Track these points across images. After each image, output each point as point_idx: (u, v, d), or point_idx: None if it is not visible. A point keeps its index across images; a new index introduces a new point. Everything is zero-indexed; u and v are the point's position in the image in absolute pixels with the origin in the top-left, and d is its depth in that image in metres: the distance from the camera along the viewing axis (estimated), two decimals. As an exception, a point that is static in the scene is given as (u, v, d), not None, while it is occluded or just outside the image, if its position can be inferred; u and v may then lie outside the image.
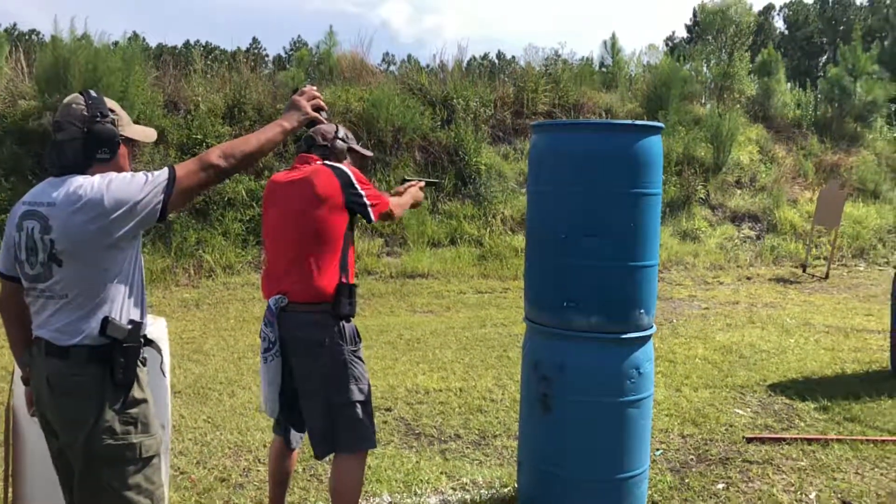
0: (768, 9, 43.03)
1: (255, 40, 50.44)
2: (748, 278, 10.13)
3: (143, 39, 14.49)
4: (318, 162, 2.85)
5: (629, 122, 3.09)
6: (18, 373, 2.46)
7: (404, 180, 3.35)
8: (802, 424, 4.51)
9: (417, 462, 3.88)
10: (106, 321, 2.01)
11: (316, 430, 2.79)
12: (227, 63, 12.81)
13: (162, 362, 2.43)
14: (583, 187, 2.98)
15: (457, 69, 13.40)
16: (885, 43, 18.59)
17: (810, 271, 10.62)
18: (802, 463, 3.90)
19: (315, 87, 2.34)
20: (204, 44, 37.53)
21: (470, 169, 11.10)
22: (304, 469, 3.74)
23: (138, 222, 2.00)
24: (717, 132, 12.64)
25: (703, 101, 14.82)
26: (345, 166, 2.83)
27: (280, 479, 3.03)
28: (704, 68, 15.36)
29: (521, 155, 11.73)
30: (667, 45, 34.80)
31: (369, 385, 2.84)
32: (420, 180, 3.35)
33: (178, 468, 3.74)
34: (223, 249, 9.25)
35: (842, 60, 15.55)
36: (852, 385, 5.25)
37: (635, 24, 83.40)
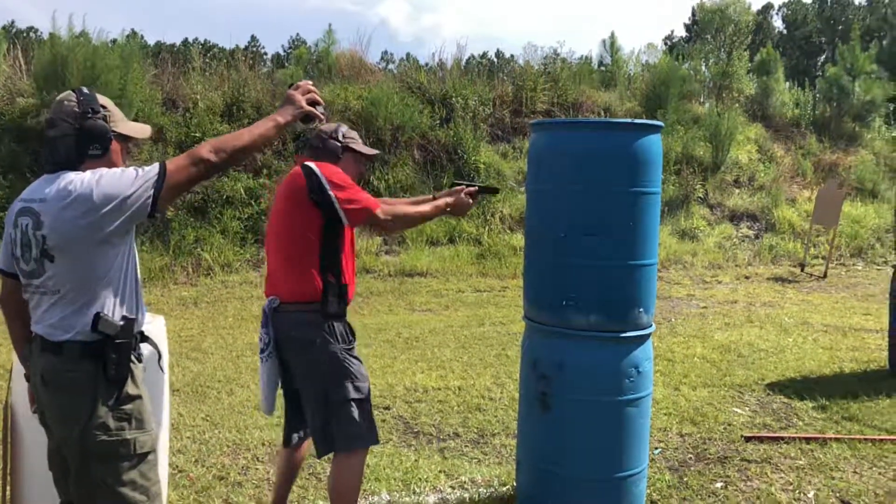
0: (767, 8, 43.06)
1: (253, 38, 50.39)
2: (746, 277, 10.14)
3: (142, 37, 14.49)
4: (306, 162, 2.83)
5: (629, 120, 3.08)
6: (17, 371, 2.46)
7: (454, 184, 3.07)
8: (801, 423, 4.52)
9: (416, 460, 3.88)
10: (97, 317, 2.01)
11: (315, 429, 2.79)
12: (225, 61, 12.80)
13: (160, 359, 2.42)
14: (582, 186, 2.98)
15: (456, 68, 13.40)
16: (884, 42, 18.57)
17: (808, 270, 10.63)
18: (801, 462, 3.90)
19: (311, 82, 2.30)
20: (202, 42, 37.55)
21: (469, 167, 11.10)
22: (303, 468, 3.74)
23: (129, 217, 1.99)
24: (715, 131, 12.66)
25: (701, 100, 14.83)
26: (317, 165, 2.74)
27: (284, 477, 3.04)
28: (703, 67, 15.36)
29: (520, 154, 11.73)
30: (666, 44, 34.81)
31: (368, 383, 2.82)
32: (471, 185, 3.02)
33: (177, 466, 3.74)
34: (221, 248, 9.24)
35: (840, 60, 15.57)
36: (850, 384, 5.26)
37: (634, 23, 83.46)
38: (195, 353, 5.97)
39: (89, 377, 2.02)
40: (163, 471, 3.00)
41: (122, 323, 2.05)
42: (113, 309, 2.04)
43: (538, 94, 12.64)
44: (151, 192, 1.99)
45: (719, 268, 10.59)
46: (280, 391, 2.90)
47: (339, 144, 2.90)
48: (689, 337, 6.67)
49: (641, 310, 3.03)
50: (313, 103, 2.27)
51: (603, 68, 15.48)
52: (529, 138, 3.35)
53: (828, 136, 14.50)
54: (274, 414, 2.94)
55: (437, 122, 11.64)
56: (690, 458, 3.96)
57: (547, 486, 3.09)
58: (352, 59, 13.03)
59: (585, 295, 2.98)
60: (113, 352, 2.03)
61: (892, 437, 4.23)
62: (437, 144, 11.38)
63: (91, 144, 2.06)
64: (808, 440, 4.16)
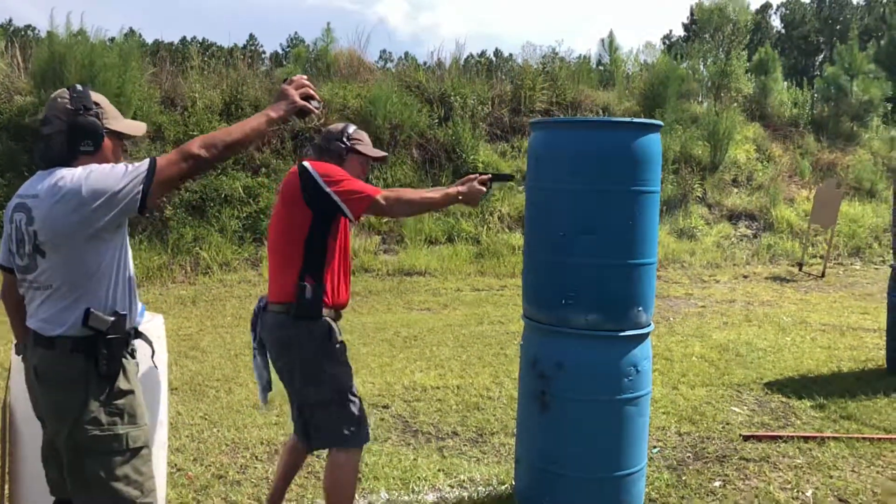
0: (765, 7, 43.08)
1: (251, 37, 50.37)
2: (745, 277, 10.15)
3: (140, 36, 14.46)
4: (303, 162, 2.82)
5: (628, 119, 3.08)
6: (16, 369, 2.46)
7: (468, 172, 3.08)
8: (799, 422, 4.52)
9: (415, 459, 3.87)
10: (88, 312, 2.02)
11: (297, 428, 2.85)
12: (223, 60, 12.79)
13: (153, 354, 2.42)
14: (582, 185, 2.98)
15: (454, 67, 13.39)
16: (882, 42, 18.63)
17: (807, 270, 10.64)
18: (799, 461, 3.91)
19: (306, 77, 2.27)
20: (201, 40, 37.48)
21: (467, 167, 11.09)
22: (301, 466, 3.73)
23: (119, 212, 2.00)
24: (714, 130, 12.67)
25: (700, 99, 14.84)
26: (312, 164, 2.72)
27: (284, 473, 3.04)
28: (701, 67, 15.37)
29: (519, 153, 11.73)
30: (664, 43, 34.84)
31: (349, 384, 2.77)
32: (484, 174, 2.96)
33: (175, 465, 3.74)
34: (220, 246, 9.23)
35: (838, 59, 15.59)
36: (848, 383, 5.27)
37: (633, 23, 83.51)
38: (193, 351, 5.97)
39: (81, 372, 2.04)
40: (161, 469, 3.00)
41: (113, 318, 2.06)
42: (104, 304, 2.06)
43: (537, 93, 12.64)
44: (141, 187, 1.99)
45: (717, 267, 10.60)
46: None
47: (343, 146, 2.87)
48: (687, 336, 6.68)
49: (640, 309, 3.03)
50: (308, 98, 2.24)
51: (601, 68, 15.50)
52: (529, 137, 3.33)
53: (826, 136, 14.52)
54: (273, 411, 2.95)
55: (436, 121, 11.64)
56: (689, 457, 3.97)
57: (546, 485, 3.10)
58: (350, 58, 13.02)
59: (584, 294, 2.98)
60: (104, 347, 2.04)
61: (889, 435, 4.23)
62: (435, 143, 11.37)
63: (82, 141, 2.08)
64: (806, 439, 4.16)
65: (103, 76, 9.38)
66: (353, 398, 2.78)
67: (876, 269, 11.11)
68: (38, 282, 2.06)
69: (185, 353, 5.90)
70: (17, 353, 2.28)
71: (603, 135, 3.07)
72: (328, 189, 2.65)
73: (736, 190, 12.72)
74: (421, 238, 10.15)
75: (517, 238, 10.21)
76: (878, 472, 3.77)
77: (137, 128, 2.29)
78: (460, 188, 2.87)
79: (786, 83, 15.81)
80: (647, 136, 3.00)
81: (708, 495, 3.51)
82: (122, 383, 2.08)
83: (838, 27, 39.12)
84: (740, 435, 4.25)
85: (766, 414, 4.67)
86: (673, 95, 13.14)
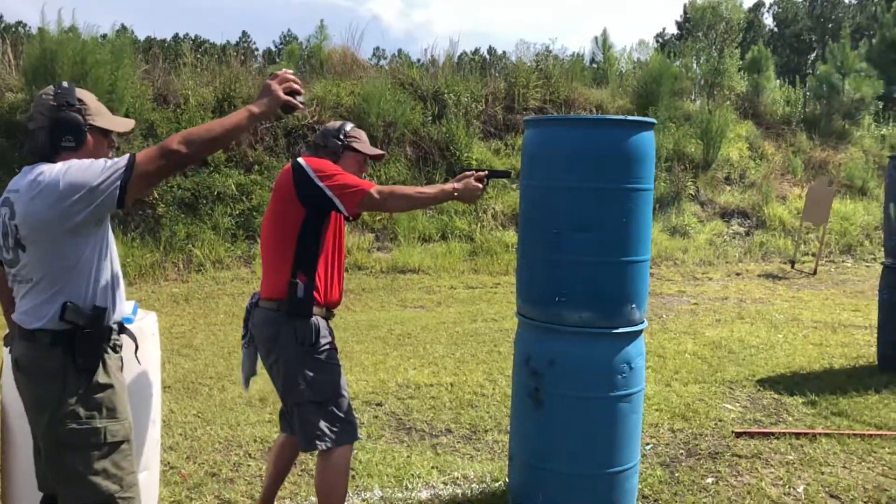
0: (758, 6, 43.17)
1: (244, 34, 50.05)
2: (737, 274, 10.19)
3: (132, 32, 14.35)
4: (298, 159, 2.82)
5: (622, 117, 3.08)
6: (9, 367, 2.45)
7: (464, 169, 2.98)
8: (791, 419, 4.55)
9: (408, 456, 3.88)
10: (65, 306, 2.04)
11: (289, 425, 2.85)
12: (216, 56, 12.72)
13: (136, 350, 2.41)
14: (575, 183, 2.98)
15: (448, 64, 13.38)
16: (873, 41, 18.69)
17: (798, 267, 10.69)
18: (791, 457, 3.93)
19: (291, 71, 2.23)
20: (193, 37, 37.31)
21: (461, 164, 11.09)
22: (295, 464, 3.73)
23: (97, 207, 2.01)
24: (706, 128, 12.70)
25: (693, 97, 14.87)
26: (306, 160, 2.71)
27: (275, 473, 3.04)
28: (694, 65, 15.40)
29: (513, 150, 11.74)
30: (657, 41, 34.87)
31: (333, 386, 2.75)
32: (480, 170, 2.93)
33: (169, 463, 3.73)
34: (213, 244, 9.21)
35: (830, 58, 15.64)
36: (840, 380, 5.30)
37: (626, 21, 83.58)
38: (186, 349, 5.96)
39: (59, 365, 2.06)
40: (154, 467, 3.00)
41: (91, 313, 2.08)
42: (84, 299, 2.08)
43: (530, 90, 12.65)
44: (119, 182, 2.00)
45: (710, 264, 10.64)
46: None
47: (339, 143, 2.87)
48: (680, 333, 6.70)
49: (634, 306, 3.04)
50: (292, 93, 2.20)
51: (595, 65, 15.50)
52: (523, 135, 3.33)
53: (818, 134, 14.58)
54: (266, 408, 2.94)
55: (430, 118, 11.63)
56: (681, 454, 3.98)
57: (539, 482, 3.10)
58: (344, 55, 13.00)
59: (578, 291, 2.98)
60: (82, 341, 2.06)
61: (880, 431, 4.26)
62: (429, 141, 11.37)
63: (64, 137, 2.11)
64: (797, 435, 4.19)
65: (95, 73, 9.33)
66: (337, 398, 2.75)
67: (867, 266, 11.17)
68: (20, 275, 2.10)
69: (178, 350, 5.89)
70: (6, 344, 2.29)
71: (597, 133, 3.08)
72: (321, 184, 2.64)
73: (728, 188, 12.76)
74: (415, 236, 10.15)
75: (511, 236, 10.23)
76: (868, 468, 3.80)
77: (123, 124, 2.30)
78: (456, 185, 2.84)
79: (778, 81, 15.84)
80: (641, 134, 3.01)
81: (700, 492, 3.53)
82: (100, 377, 2.10)
83: (830, 26, 39.27)
84: (732, 431, 4.27)
85: (759, 410, 4.69)
86: (666, 93, 13.16)
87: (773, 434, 4.22)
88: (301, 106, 2.24)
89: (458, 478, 3.65)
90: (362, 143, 2.94)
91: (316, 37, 13.86)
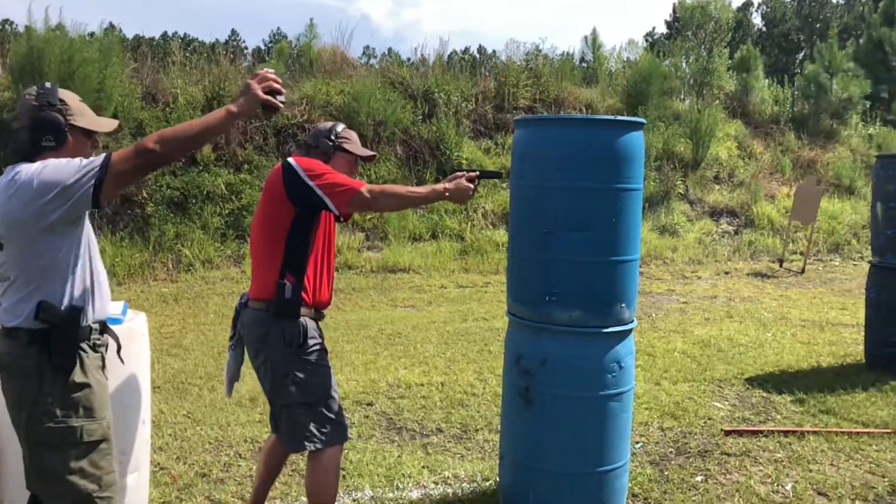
0: (747, 5, 43.37)
1: (234, 32, 49.81)
2: (726, 273, 10.24)
3: (120, 30, 14.30)
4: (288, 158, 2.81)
5: (612, 117, 3.09)
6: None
7: (454, 169, 2.96)
8: (779, 417, 4.58)
9: (399, 456, 3.88)
10: (40, 305, 2.05)
11: (276, 426, 2.85)
12: (205, 55, 12.66)
13: (119, 349, 2.39)
14: (565, 182, 2.99)
15: (438, 63, 13.36)
16: (861, 41, 18.82)
17: (787, 266, 10.76)
18: (779, 455, 3.95)
19: (272, 70, 2.20)
20: (182, 35, 37.06)
21: (451, 163, 11.09)
22: (285, 465, 3.72)
23: (72, 205, 2.02)
24: (696, 128, 12.75)
25: (682, 96, 14.93)
26: (296, 159, 2.70)
27: (265, 474, 3.03)
28: (684, 64, 15.46)
29: (503, 149, 11.75)
30: (647, 40, 34.97)
31: (322, 387, 2.74)
32: (471, 171, 2.90)
33: (158, 464, 3.71)
34: (202, 243, 9.17)
35: (818, 57, 15.74)
36: (827, 378, 5.34)
37: (616, 20, 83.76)
38: (176, 349, 5.93)
39: (36, 364, 2.06)
40: (144, 468, 2.98)
41: (67, 312, 2.07)
42: (60, 298, 2.08)
43: (520, 90, 12.66)
44: (94, 181, 2.00)
45: (699, 263, 10.69)
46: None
47: (330, 143, 2.86)
48: (669, 332, 6.73)
49: (623, 305, 3.05)
50: (272, 92, 2.16)
51: (584, 65, 15.54)
52: (513, 134, 3.34)
53: (806, 133, 14.67)
54: (256, 409, 2.93)
55: (420, 117, 11.63)
56: (671, 452, 4.00)
57: (530, 481, 3.11)
58: (333, 54, 12.96)
59: (568, 290, 2.99)
60: (58, 340, 2.06)
61: (867, 429, 4.30)
62: (419, 140, 11.36)
63: (45, 136, 2.12)
64: (786, 433, 4.22)
65: (83, 71, 9.26)
66: (327, 400, 2.74)
67: (855, 265, 11.25)
68: (0, 273, 2.11)
69: (168, 350, 5.86)
70: None
71: (586, 132, 3.08)
72: (311, 183, 2.63)
73: (717, 187, 12.83)
74: (405, 235, 10.14)
75: (501, 235, 10.24)
76: (856, 466, 3.83)
77: (106, 125, 2.30)
78: (447, 185, 2.82)
79: (767, 81, 15.93)
80: (631, 134, 3.02)
81: (690, 490, 3.55)
82: (77, 377, 2.09)
83: (818, 25, 39.51)
84: (721, 430, 4.30)
85: (747, 409, 4.72)
86: (655, 93, 13.21)
87: (761, 432, 4.24)
88: (281, 105, 2.20)
89: (448, 477, 3.65)
90: (353, 143, 2.94)
91: (305, 35, 13.83)
